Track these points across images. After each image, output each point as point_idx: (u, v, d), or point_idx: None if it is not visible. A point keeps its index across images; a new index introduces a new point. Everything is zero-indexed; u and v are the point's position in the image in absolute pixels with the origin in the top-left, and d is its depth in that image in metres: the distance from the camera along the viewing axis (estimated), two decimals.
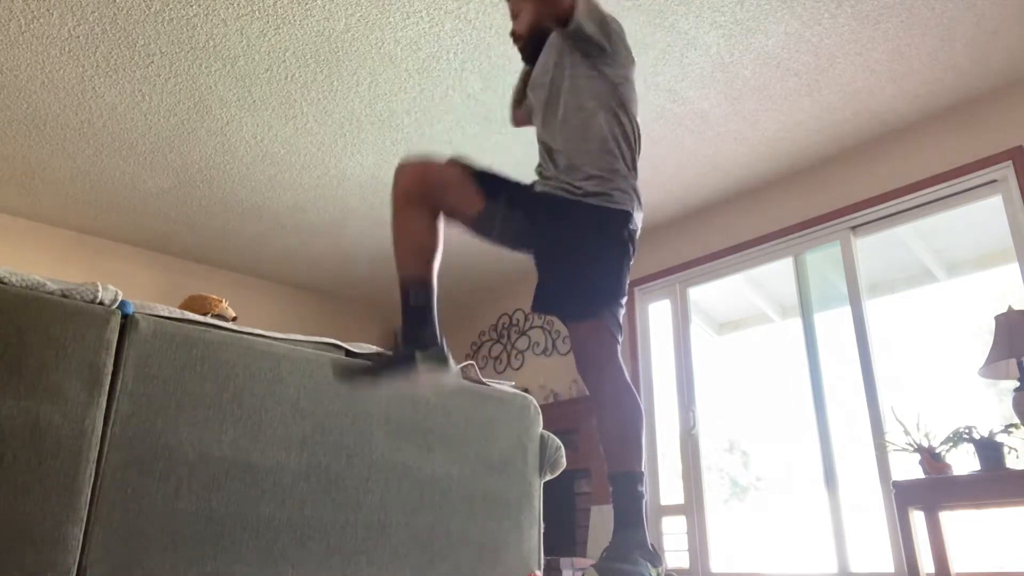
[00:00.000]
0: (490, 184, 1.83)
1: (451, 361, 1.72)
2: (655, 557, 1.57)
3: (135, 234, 5.31)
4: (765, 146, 4.13)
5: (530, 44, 2.03)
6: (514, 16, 2.08)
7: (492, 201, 1.80)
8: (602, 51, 1.86)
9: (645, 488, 1.62)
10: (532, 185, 1.92)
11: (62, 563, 1.69)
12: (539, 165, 1.95)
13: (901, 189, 3.90)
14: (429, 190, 1.76)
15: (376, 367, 1.70)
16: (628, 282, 1.83)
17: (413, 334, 1.71)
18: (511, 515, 2.59)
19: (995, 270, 3.77)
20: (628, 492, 1.61)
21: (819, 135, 4.02)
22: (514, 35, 2.08)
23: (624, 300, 1.80)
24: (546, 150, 1.91)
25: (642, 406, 1.69)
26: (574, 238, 1.77)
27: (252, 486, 2.02)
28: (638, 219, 1.90)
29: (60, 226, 5.19)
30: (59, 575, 1.69)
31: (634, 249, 1.85)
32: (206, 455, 1.96)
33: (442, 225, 1.80)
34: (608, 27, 1.87)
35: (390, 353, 1.75)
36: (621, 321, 1.79)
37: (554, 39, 1.95)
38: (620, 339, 1.76)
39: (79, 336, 1.81)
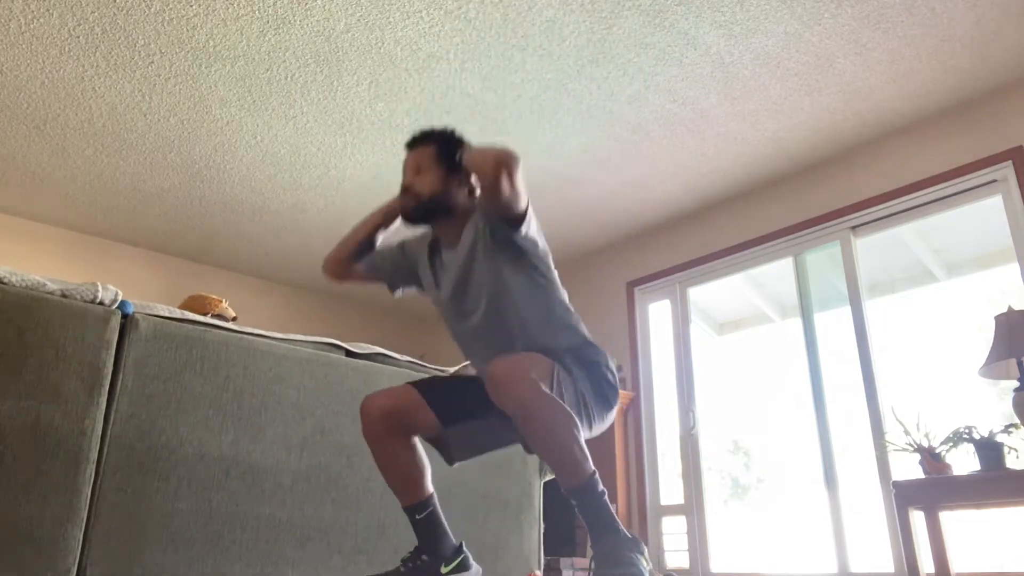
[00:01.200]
0: (441, 406, 1.84)
1: (472, 563, 1.82)
2: (638, 544, 1.57)
3: (135, 234, 5.31)
4: (765, 146, 4.13)
5: (421, 211, 1.87)
6: (415, 170, 1.89)
7: (447, 422, 1.85)
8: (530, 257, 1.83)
9: (600, 483, 1.59)
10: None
11: (62, 563, 1.69)
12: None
13: (901, 189, 3.90)
14: (394, 422, 1.81)
15: None
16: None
17: (432, 548, 1.80)
18: (511, 515, 2.59)
19: (995, 270, 3.77)
20: (591, 501, 1.58)
21: (819, 135, 4.02)
22: (408, 190, 1.88)
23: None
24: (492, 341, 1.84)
25: (566, 410, 1.60)
26: None
27: (252, 486, 2.02)
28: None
29: (60, 226, 5.20)
30: (59, 575, 1.69)
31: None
32: (206, 455, 1.96)
33: (418, 442, 1.87)
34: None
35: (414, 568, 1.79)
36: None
37: (478, 232, 1.82)
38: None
39: (79, 336, 1.81)
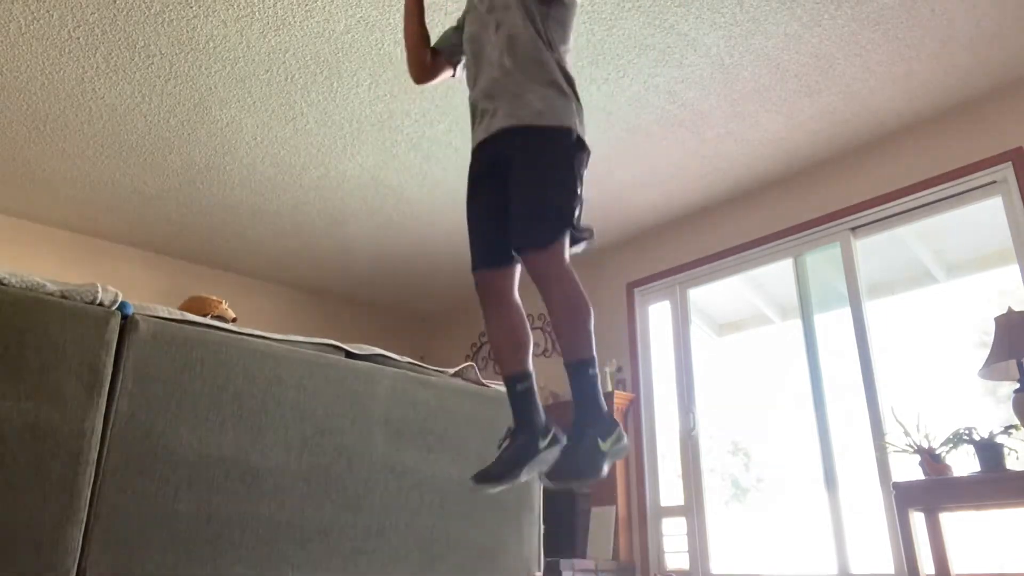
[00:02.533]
0: (494, 253, 1.91)
1: (561, 435, 1.82)
2: (610, 426, 1.66)
3: (135, 235, 5.31)
4: (765, 147, 4.13)
5: None
6: None
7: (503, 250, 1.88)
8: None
9: (597, 369, 1.72)
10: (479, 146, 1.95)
11: (61, 564, 1.69)
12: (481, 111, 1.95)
13: (901, 190, 3.90)
14: (492, 295, 1.90)
15: (512, 463, 1.75)
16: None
17: (528, 422, 1.82)
18: (511, 516, 2.59)
19: (995, 271, 3.77)
20: (583, 377, 1.69)
21: (819, 136, 4.02)
22: None
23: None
24: (491, 88, 1.92)
25: (591, 305, 1.76)
26: (540, 160, 1.88)
27: (252, 487, 2.02)
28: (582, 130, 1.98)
29: (60, 227, 5.19)
30: None
31: (588, 154, 1.97)
32: (206, 456, 1.96)
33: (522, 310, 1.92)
34: None
35: (511, 450, 1.80)
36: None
37: None
38: (584, 244, 1.88)
39: (79, 337, 1.81)
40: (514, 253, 1.84)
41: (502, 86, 1.89)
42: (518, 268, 1.92)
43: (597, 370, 1.71)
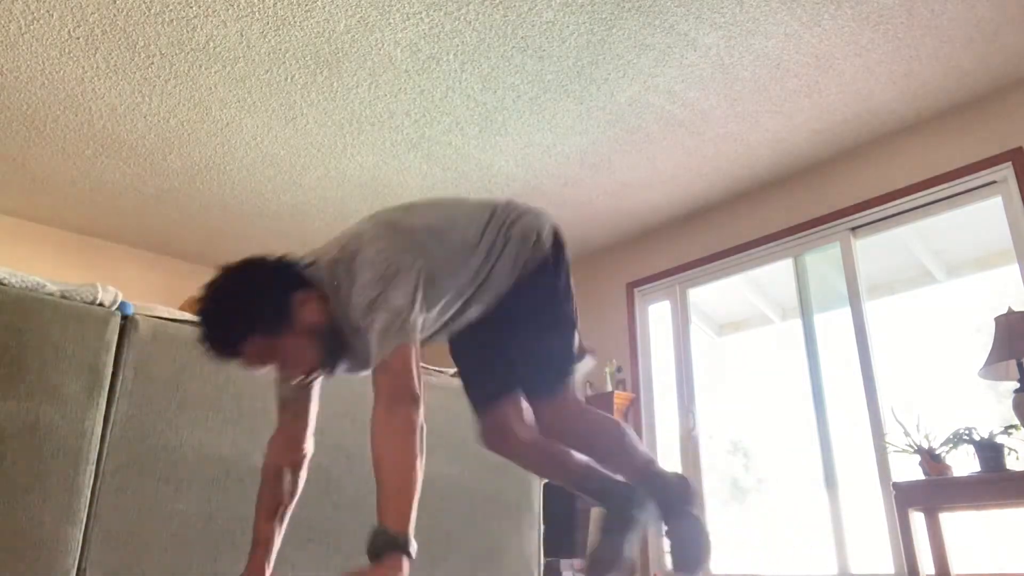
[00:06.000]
0: (487, 396, 1.84)
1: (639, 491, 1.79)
2: (693, 495, 1.75)
3: (135, 235, 5.31)
4: (765, 147, 4.13)
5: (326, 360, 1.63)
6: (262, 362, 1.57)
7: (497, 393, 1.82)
8: None
9: (657, 467, 1.76)
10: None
11: (61, 564, 1.69)
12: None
13: (901, 190, 3.90)
14: (507, 445, 1.82)
15: (623, 526, 1.74)
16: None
17: (616, 501, 1.76)
18: (511, 516, 2.59)
19: (995, 271, 3.77)
20: (652, 486, 1.72)
21: (819, 136, 4.02)
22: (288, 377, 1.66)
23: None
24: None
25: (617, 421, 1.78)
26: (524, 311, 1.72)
27: (252, 487, 2.02)
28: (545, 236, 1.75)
29: (60, 227, 5.19)
30: None
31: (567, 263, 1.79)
32: (206, 456, 1.96)
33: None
34: None
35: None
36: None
37: None
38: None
39: (79, 337, 1.81)
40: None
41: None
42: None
43: (657, 467, 1.73)
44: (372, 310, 1.48)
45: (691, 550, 1.68)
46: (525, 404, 1.77)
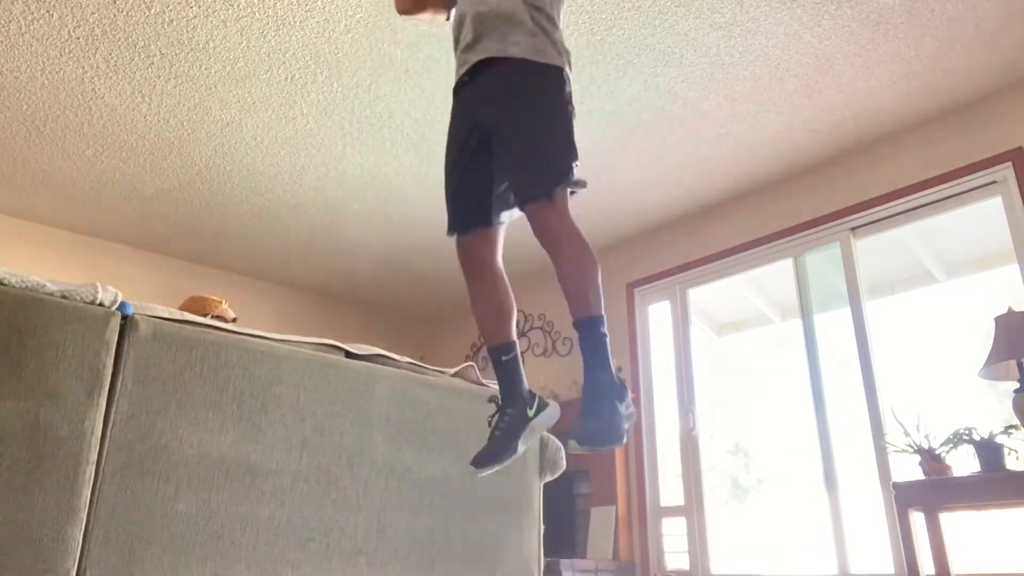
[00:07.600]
0: (471, 214, 1.90)
1: (548, 400, 1.84)
2: (623, 391, 1.66)
3: (135, 235, 5.31)
4: (765, 147, 4.13)
5: None
6: None
7: (486, 216, 1.89)
8: None
9: (606, 328, 1.70)
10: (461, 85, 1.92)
11: (62, 564, 1.69)
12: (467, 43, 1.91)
13: (901, 190, 3.90)
14: (473, 263, 1.89)
15: (507, 437, 1.75)
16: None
17: (515, 394, 1.82)
18: (511, 516, 2.59)
19: (995, 271, 3.77)
20: (593, 335, 1.68)
21: (819, 136, 4.02)
22: None
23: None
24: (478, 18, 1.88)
25: (597, 260, 1.75)
26: (532, 99, 1.80)
27: (252, 487, 2.02)
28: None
29: (60, 227, 5.19)
30: None
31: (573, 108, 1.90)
32: (206, 456, 1.96)
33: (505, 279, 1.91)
34: None
35: (498, 419, 1.81)
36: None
37: None
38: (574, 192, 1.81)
39: (79, 337, 1.81)
40: (497, 218, 1.83)
41: (490, 22, 1.84)
42: (502, 231, 1.90)
43: (607, 330, 1.69)
44: None
45: (596, 428, 1.60)
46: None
